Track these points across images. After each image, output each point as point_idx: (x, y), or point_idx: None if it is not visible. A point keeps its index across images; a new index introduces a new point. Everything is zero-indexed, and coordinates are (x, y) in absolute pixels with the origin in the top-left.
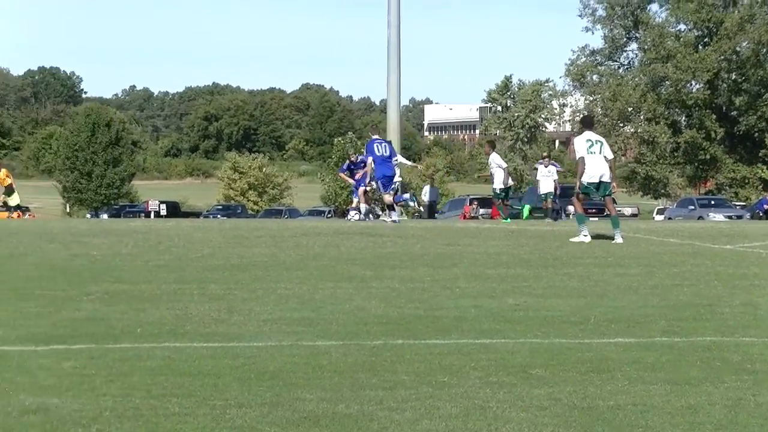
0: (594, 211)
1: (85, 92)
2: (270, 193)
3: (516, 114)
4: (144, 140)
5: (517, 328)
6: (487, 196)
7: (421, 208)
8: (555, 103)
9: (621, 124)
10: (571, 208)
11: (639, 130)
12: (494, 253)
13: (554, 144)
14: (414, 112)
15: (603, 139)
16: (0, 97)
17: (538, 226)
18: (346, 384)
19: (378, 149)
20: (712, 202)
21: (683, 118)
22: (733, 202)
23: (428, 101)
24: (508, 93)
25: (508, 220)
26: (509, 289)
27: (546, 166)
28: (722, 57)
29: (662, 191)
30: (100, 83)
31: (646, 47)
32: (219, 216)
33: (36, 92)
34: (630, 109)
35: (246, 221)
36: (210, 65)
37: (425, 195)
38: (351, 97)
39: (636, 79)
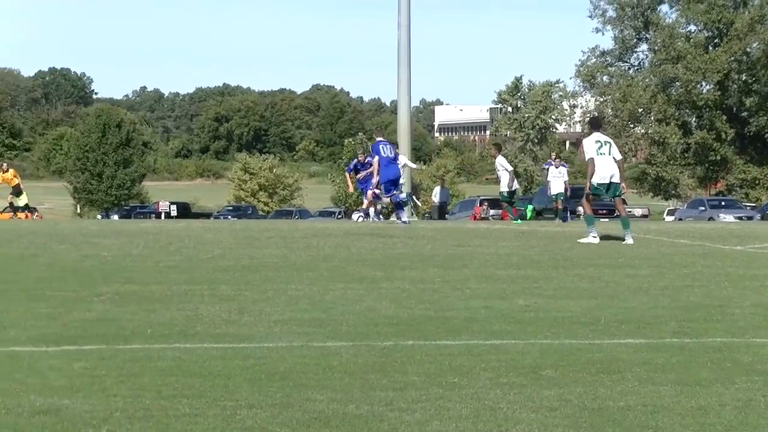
0: (604, 212)
1: (96, 93)
2: (280, 194)
3: (526, 115)
4: (154, 141)
5: (528, 329)
6: (497, 197)
7: (419, 203)
8: (565, 104)
9: (631, 125)
10: (580, 209)
11: (649, 131)
12: (504, 254)
13: (564, 145)
14: (424, 113)
15: (611, 140)
16: (11, 98)
17: (548, 227)
18: (356, 385)
19: (384, 151)
20: (723, 203)
21: (694, 119)
22: (743, 203)
23: (438, 102)
24: (519, 94)
25: (519, 221)
26: (519, 290)
27: (557, 167)
28: (732, 58)
29: (673, 192)
30: (111, 84)
31: (656, 48)
32: (229, 217)
33: (47, 93)
34: (640, 110)
35: (256, 222)
36: (220, 66)
37: (436, 196)
38: (361, 98)
39: (646, 80)
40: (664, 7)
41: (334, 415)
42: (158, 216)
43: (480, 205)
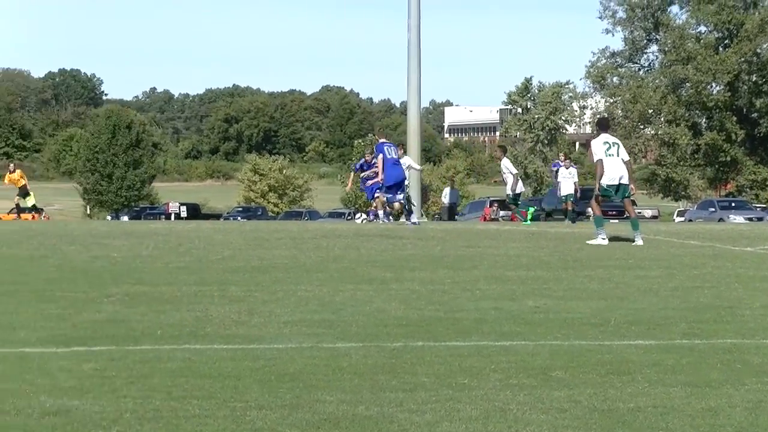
0: (614, 213)
1: (106, 94)
2: (290, 195)
3: (536, 116)
4: (164, 142)
5: (538, 331)
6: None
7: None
8: (575, 105)
9: (641, 126)
10: (589, 211)
11: (659, 132)
12: (514, 255)
13: (574, 146)
14: (434, 114)
15: (619, 141)
16: (21, 99)
17: (558, 228)
18: (366, 386)
19: (388, 152)
20: (733, 204)
21: (703, 120)
22: (753, 204)
23: (448, 103)
24: (528, 95)
25: (529, 222)
26: (529, 292)
27: (567, 168)
28: (743, 59)
29: (683, 193)
30: (121, 85)
31: (666, 49)
32: (239, 218)
33: (57, 94)
34: (650, 111)
35: (266, 223)
36: (230, 67)
37: (445, 197)
38: (371, 99)
39: (656, 81)
40: (675, 8)
41: (344, 416)
42: (168, 217)
43: (490, 206)
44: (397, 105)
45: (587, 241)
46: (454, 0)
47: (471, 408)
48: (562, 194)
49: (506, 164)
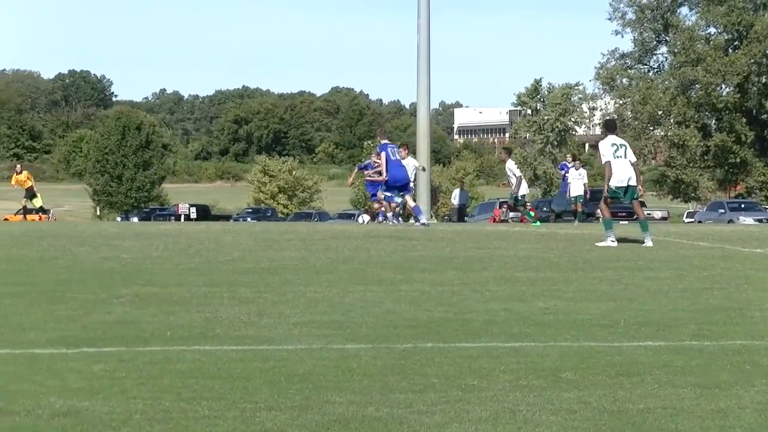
0: (624, 214)
1: (116, 95)
2: (300, 196)
3: (546, 117)
4: (174, 143)
5: (547, 332)
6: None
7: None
8: (585, 107)
9: (651, 128)
10: (598, 212)
11: (669, 134)
12: (524, 257)
13: (584, 147)
14: (444, 115)
15: (626, 143)
16: (31, 101)
17: (568, 229)
18: (375, 387)
19: (391, 153)
20: (742, 206)
21: (713, 121)
22: (763, 206)
23: (458, 104)
24: (538, 96)
25: (538, 223)
26: (539, 293)
27: (577, 169)
28: (752, 60)
29: (692, 195)
30: (131, 86)
31: (675, 50)
32: (249, 219)
33: (66, 95)
34: (660, 112)
35: (276, 224)
36: (240, 68)
37: (455, 198)
38: (381, 100)
39: (666, 83)
40: (684, 10)
41: (354, 417)
42: (178, 218)
43: (500, 208)
44: (407, 106)
45: (596, 243)
46: (463, 1)
47: (480, 409)
48: (571, 195)
49: (510, 166)
